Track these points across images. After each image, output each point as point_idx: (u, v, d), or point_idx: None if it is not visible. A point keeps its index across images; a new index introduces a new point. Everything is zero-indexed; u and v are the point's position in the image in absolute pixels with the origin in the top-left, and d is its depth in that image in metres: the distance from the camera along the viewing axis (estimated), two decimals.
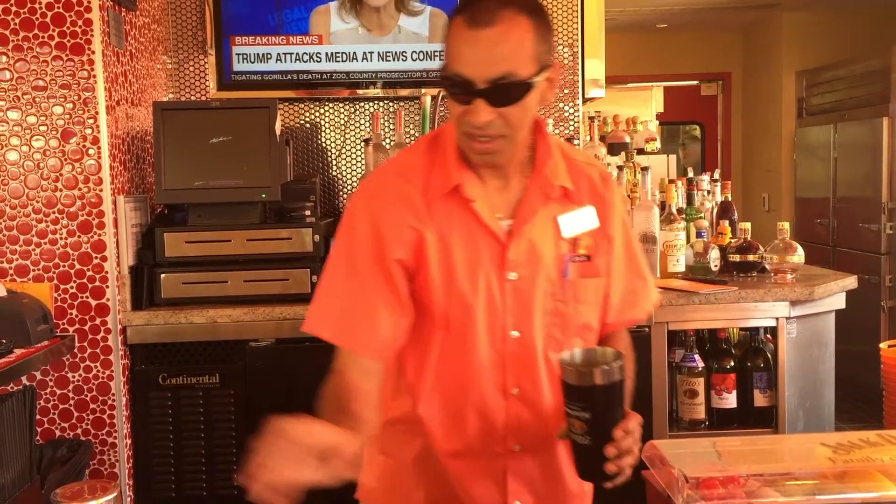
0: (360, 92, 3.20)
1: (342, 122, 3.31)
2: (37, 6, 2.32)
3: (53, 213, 2.38)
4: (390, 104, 3.29)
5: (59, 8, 2.33)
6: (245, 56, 3.17)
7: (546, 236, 1.36)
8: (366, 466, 1.24)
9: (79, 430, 2.42)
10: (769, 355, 2.70)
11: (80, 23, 2.33)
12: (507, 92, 1.23)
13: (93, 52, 2.35)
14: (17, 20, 2.32)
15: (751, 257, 2.85)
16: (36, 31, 2.33)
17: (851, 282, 2.88)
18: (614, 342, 1.45)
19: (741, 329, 2.80)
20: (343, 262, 1.35)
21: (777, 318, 2.64)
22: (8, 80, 2.34)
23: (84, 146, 2.37)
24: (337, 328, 1.33)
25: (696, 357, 2.66)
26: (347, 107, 3.31)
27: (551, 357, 1.35)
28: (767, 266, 2.81)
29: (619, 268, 1.44)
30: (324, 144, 3.31)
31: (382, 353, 1.33)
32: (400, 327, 1.33)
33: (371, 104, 3.29)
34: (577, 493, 1.45)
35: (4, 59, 2.34)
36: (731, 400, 2.66)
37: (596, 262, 1.40)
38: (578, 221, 1.39)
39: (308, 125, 3.31)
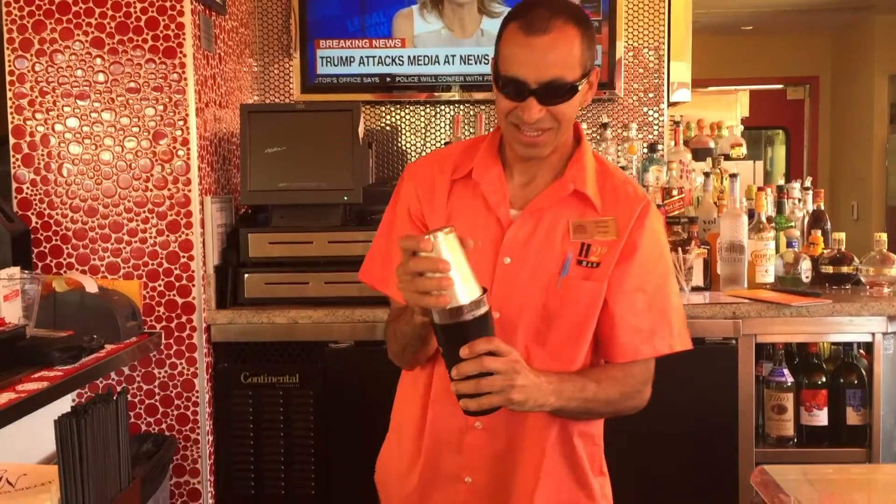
0: (436, 95, 3.20)
1: (423, 125, 3.31)
2: (132, 10, 2.38)
3: (144, 212, 2.43)
4: (471, 107, 3.28)
5: (152, 12, 2.38)
6: (329, 59, 3.20)
7: (553, 234, 1.45)
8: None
9: (163, 426, 2.47)
10: (863, 371, 2.58)
11: (172, 27, 2.38)
12: (555, 93, 1.37)
13: (184, 56, 2.40)
14: (112, 24, 2.39)
15: (845, 269, 2.74)
16: (130, 34, 2.39)
17: None
18: (601, 368, 1.49)
19: (832, 344, 2.69)
20: (386, 224, 1.58)
21: (873, 334, 2.52)
22: (102, 83, 2.41)
23: (174, 147, 2.42)
24: (380, 277, 1.53)
25: (785, 371, 2.56)
26: (428, 110, 3.31)
27: (531, 350, 1.43)
28: (863, 279, 2.70)
29: (641, 301, 1.46)
30: (404, 147, 3.32)
31: None
32: None
33: (452, 107, 3.29)
34: (528, 478, 1.47)
35: (100, 61, 2.40)
36: (822, 417, 2.55)
37: (603, 272, 1.44)
38: (592, 229, 1.45)
39: (389, 128, 3.32)
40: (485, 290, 1.24)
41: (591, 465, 1.53)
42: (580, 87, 1.39)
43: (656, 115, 3.32)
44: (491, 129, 3.24)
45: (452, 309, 1.20)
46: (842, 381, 2.59)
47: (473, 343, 1.22)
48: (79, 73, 2.40)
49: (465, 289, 1.20)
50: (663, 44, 3.30)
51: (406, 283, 1.23)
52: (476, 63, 3.19)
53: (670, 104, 3.38)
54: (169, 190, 2.43)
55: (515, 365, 1.26)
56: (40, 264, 2.42)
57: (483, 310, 1.22)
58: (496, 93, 1.42)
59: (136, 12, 2.38)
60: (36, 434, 1.96)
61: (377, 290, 1.56)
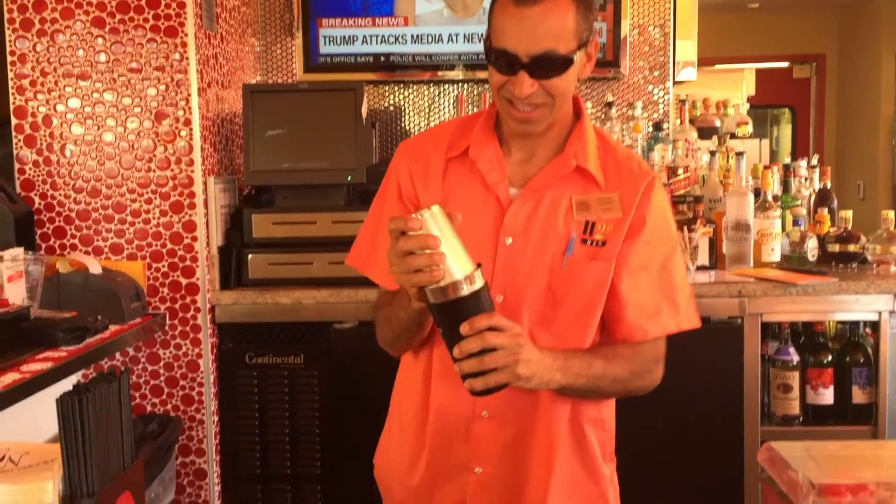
0: (440, 74, 3.17)
1: (426, 104, 3.29)
2: None
3: (147, 192, 2.42)
4: (475, 87, 3.26)
5: None
6: (331, 38, 3.17)
7: (555, 212, 1.39)
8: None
9: (169, 406, 2.48)
10: (869, 350, 2.58)
11: (173, 5, 2.36)
12: (548, 66, 1.30)
13: (186, 35, 2.38)
14: (113, 3, 2.37)
15: (851, 247, 2.72)
16: (131, 13, 2.37)
17: None
18: (608, 346, 1.43)
19: (839, 322, 2.68)
20: (376, 206, 1.52)
21: (879, 312, 2.51)
22: (104, 63, 2.39)
23: (176, 128, 2.41)
24: (367, 260, 1.48)
25: (791, 350, 2.55)
26: (432, 89, 3.28)
27: (536, 333, 1.36)
28: (869, 257, 2.68)
29: (647, 280, 1.41)
30: (408, 127, 3.30)
31: None
32: None
33: (456, 87, 3.26)
34: (541, 468, 1.43)
35: (101, 41, 2.38)
36: (827, 396, 2.55)
37: (610, 251, 1.39)
38: (596, 206, 1.40)
39: (392, 108, 3.30)
40: (479, 265, 1.21)
41: (603, 451, 1.49)
42: (575, 60, 1.31)
43: (662, 93, 3.30)
44: None
45: (447, 286, 1.17)
46: (848, 359, 2.58)
47: (473, 319, 1.18)
48: (80, 53, 2.38)
49: (457, 264, 1.17)
50: (669, 22, 3.27)
51: (397, 264, 1.19)
52: (479, 42, 3.16)
53: (676, 83, 3.35)
54: (172, 170, 2.42)
55: (518, 339, 1.23)
56: (44, 245, 2.42)
57: (479, 284, 1.19)
58: (489, 67, 1.35)
59: None
60: (40, 415, 1.96)
61: (365, 275, 1.51)
